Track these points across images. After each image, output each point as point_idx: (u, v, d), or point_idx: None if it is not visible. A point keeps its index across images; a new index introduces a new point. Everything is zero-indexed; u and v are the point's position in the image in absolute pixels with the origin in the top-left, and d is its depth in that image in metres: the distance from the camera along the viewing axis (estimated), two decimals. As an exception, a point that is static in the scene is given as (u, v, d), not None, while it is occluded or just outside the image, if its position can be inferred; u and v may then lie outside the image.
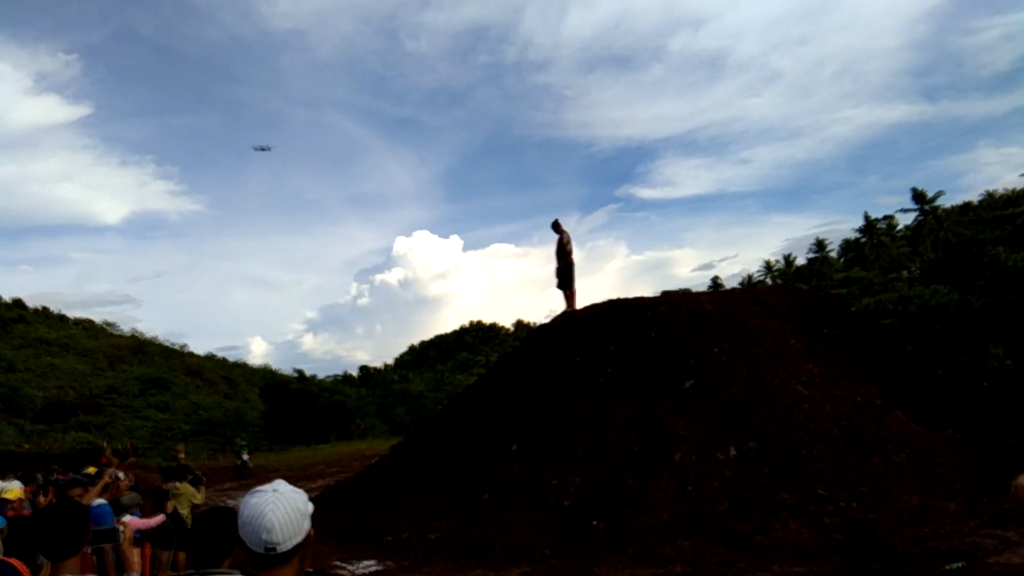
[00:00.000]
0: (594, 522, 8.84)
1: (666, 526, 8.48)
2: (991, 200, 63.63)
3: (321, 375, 72.74)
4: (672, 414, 10.36)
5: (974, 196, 71.48)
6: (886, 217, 71.76)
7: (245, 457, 26.99)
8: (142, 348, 65.14)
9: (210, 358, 73.24)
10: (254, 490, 1.93)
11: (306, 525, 1.92)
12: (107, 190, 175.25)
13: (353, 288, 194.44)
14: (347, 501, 12.90)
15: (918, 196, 63.46)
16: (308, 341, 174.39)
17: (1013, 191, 61.00)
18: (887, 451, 9.44)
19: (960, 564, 6.83)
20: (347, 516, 11.94)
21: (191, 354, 70.65)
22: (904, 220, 68.69)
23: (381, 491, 12.32)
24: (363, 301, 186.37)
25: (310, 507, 1.97)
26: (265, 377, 64.87)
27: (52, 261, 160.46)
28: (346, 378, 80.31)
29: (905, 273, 46.22)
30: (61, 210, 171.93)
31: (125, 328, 73.40)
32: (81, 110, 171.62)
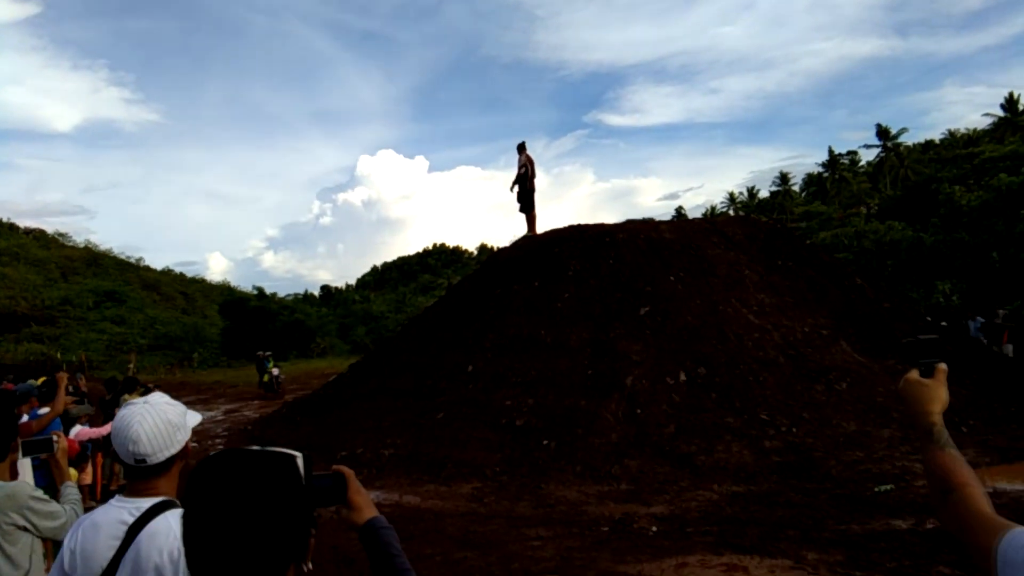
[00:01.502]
0: (545, 441, 9.07)
1: (614, 446, 8.74)
2: (952, 139, 64.33)
3: (282, 293, 72.05)
4: (626, 340, 10.54)
5: (937, 134, 72.30)
6: (850, 152, 72.41)
7: (275, 372, 22.11)
8: (96, 260, 63.59)
9: (167, 273, 71.93)
10: (128, 402, 1.92)
11: (180, 437, 1.89)
12: (57, 95, 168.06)
13: (315, 206, 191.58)
14: (304, 417, 13.03)
15: (882, 132, 63.85)
16: (269, 259, 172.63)
17: (974, 131, 61.64)
18: (830, 379, 9.78)
19: (889, 486, 7.20)
20: (303, 432, 12.07)
21: (147, 268, 69.24)
22: (867, 156, 69.40)
23: (338, 408, 12.43)
24: (325, 220, 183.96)
25: (189, 420, 1.95)
26: (224, 294, 63.99)
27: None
28: (307, 297, 79.76)
29: (864, 209, 46.95)
30: (8, 114, 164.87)
31: (78, 239, 71.25)
32: (29, 8, 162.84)
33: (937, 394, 1.51)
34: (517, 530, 6.71)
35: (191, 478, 1.15)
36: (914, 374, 1.56)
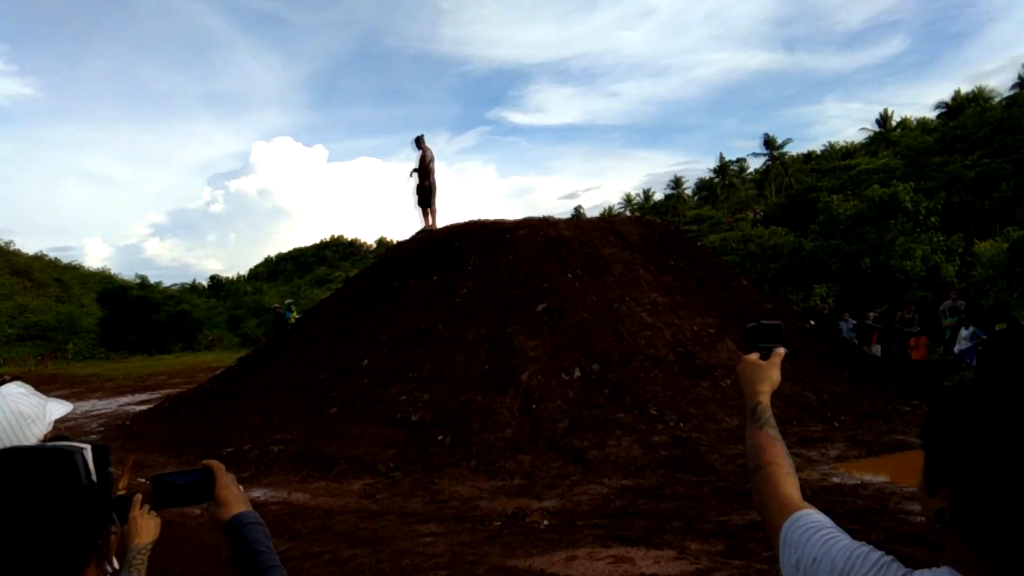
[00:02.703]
0: (440, 437, 9.02)
1: (509, 442, 8.79)
2: (832, 151, 68.34)
3: (167, 283, 68.70)
4: (523, 335, 10.62)
5: (818, 146, 76.64)
6: (738, 160, 75.86)
7: None
8: (-42, 242, 58.92)
9: (40, 258, 67.12)
10: None
11: (35, 430, 1.76)
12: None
13: (206, 193, 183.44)
14: (187, 411, 12.45)
15: (768, 142, 67.18)
16: (154, 246, 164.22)
17: (851, 144, 65.77)
18: (715, 377, 10.18)
19: (767, 478, 7.56)
20: (186, 427, 11.55)
21: (17, 252, 64.36)
22: (755, 164, 72.78)
23: (224, 402, 11.95)
24: (217, 207, 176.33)
25: (52, 412, 1.83)
26: (103, 282, 60.43)
27: None
28: (194, 287, 76.45)
29: (750, 214, 49.21)
30: None
31: (-63, 219, 65.78)
32: None
33: (768, 375, 1.58)
34: (409, 526, 6.64)
35: None
36: (753, 356, 1.61)
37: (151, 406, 14.77)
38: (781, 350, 1.60)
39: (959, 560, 1.01)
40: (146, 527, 1.65)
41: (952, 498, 1.01)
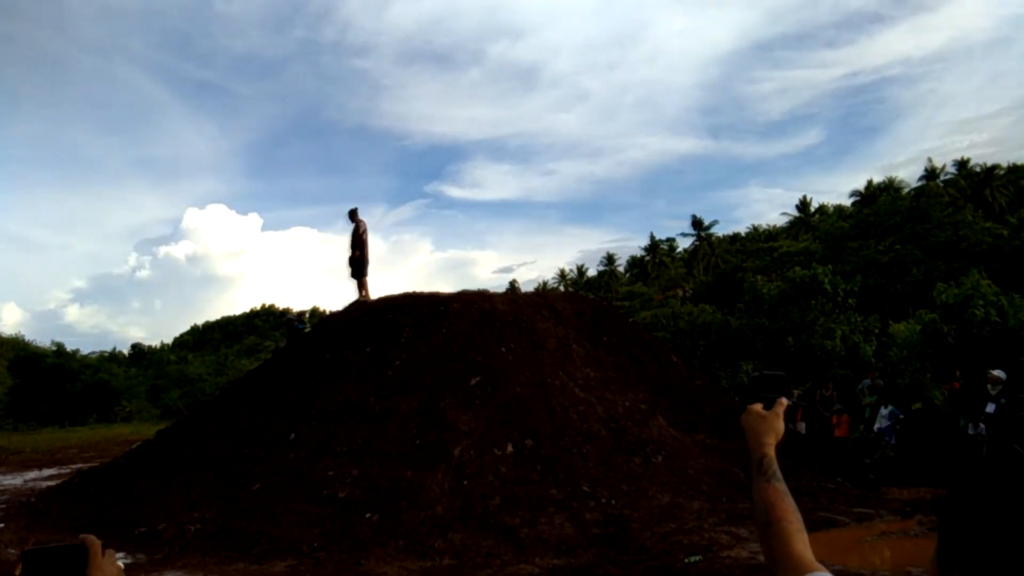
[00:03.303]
0: (368, 515, 8.76)
1: (439, 519, 8.60)
2: (755, 233, 71.29)
3: (86, 350, 65.58)
4: (456, 409, 10.53)
5: (743, 228, 79.58)
6: (668, 239, 78.13)
7: None
8: None
9: (-54, 323, 63.82)
10: None
11: None
12: None
13: (132, 259, 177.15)
14: (99, 489, 11.76)
15: (696, 223, 69.77)
16: (74, 312, 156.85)
17: (773, 227, 68.82)
18: (647, 453, 10.24)
19: (698, 557, 7.57)
20: (98, 505, 10.90)
21: (-78, 316, 61.11)
22: (684, 243, 75.11)
23: (140, 479, 11.35)
24: (143, 273, 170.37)
25: None
26: (16, 348, 57.46)
27: None
28: (115, 356, 73.24)
29: (680, 292, 50.57)
30: None
31: None
32: None
33: (773, 425, 1.59)
34: (333, 610, 6.37)
35: None
36: (757, 407, 1.64)
37: (60, 482, 13.91)
38: (784, 400, 1.63)
39: None
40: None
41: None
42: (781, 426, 1.61)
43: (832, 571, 1.32)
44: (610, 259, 79.27)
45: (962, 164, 56.40)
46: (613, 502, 9.00)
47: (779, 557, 1.38)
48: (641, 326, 17.24)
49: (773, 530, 1.42)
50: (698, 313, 30.61)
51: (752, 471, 1.55)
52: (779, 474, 1.51)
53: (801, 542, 1.39)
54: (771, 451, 1.56)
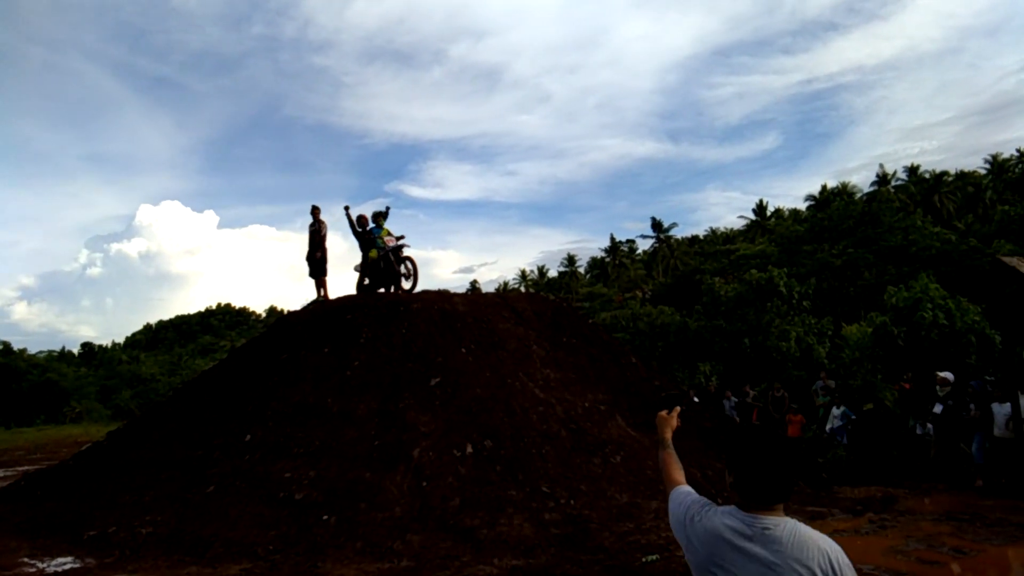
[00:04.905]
0: (325, 517, 8.65)
1: (397, 521, 8.53)
2: (714, 236, 72.40)
3: (34, 350, 63.66)
4: (415, 410, 10.46)
5: (701, 231, 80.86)
6: (628, 241, 78.88)
7: (394, 243, 14.97)
8: None
9: None
10: None
11: None
12: None
13: (83, 256, 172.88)
14: (46, 491, 11.40)
15: (656, 225, 70.58)
16: (20, 310, 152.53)
17: (731, 230, 69.98)
18: (606, 453, 10.30)
19: (655, 556, 7.63)
20: (45, 508, 10.55)
21: None
22: (643, 245, 75.94)
23: (89, 481, 11.04)
24: (94, 271, 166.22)
25: None
26: (-42, 347, 55.55)
27: None
28: (63, 355, 71.20)
29: (640, 293, 50.97)
30: None
31: None
32: None
33: (671, 423, 2.94)
34: (288, 614, 6.27)
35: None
36: (663, 412, 2.98)
37: (6, 484, 13.48)
38: (678, 408, 3.01)
39: (737, 503, 2.34)
40: None
41: (732, 475, 2.36)
42: (676, 422, 2.95)
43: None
44: (571, 260, 79.74)
45: (912, 170, 58.07)
46: (572, 502, 9.03)
47: (664, 482, 2.75)
48: (601, 327, 17.33)
49: (663, 472, 2.80)
50: (657, 314, 30.86)
51: (658, 448, 2.91)
52: (671, 447, 2.86)
53: (677, 472, 2.73)
54: (669, 436, 2.90)
